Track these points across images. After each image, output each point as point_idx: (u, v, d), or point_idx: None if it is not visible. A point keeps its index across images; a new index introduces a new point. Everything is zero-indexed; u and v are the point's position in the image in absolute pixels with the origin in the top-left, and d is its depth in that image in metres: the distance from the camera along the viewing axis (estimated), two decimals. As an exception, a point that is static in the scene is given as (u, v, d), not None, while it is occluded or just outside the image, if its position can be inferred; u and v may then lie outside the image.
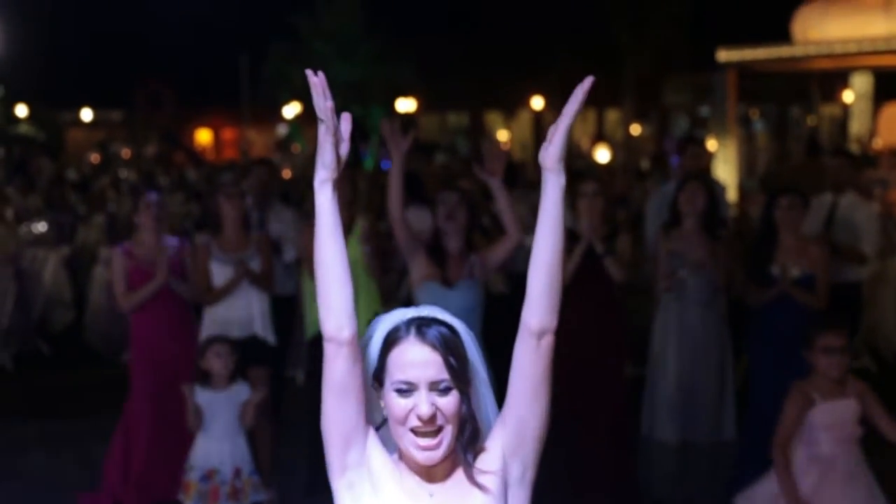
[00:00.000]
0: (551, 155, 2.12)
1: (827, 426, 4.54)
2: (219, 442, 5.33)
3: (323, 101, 2.08)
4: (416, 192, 7.91)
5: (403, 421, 2.11)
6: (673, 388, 6.30)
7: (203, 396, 5.35)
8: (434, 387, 2.10)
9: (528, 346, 2.14)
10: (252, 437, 5.56)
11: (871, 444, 4.77)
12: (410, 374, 2.10)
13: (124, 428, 6.15)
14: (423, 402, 2.09)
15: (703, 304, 6.26)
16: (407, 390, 2.10)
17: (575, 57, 30.56)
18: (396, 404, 2.11)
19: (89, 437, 7.27)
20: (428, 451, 2.10)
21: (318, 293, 2.14)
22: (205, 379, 5.38)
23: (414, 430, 2.10)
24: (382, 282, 6.46)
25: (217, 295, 6.11)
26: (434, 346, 2.12)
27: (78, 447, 7.25)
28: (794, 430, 4.58)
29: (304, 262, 6.35)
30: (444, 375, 2.11)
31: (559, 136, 2.12)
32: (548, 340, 2.14)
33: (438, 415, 2.10)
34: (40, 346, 10.06)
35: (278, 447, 6.26)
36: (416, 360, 2.11)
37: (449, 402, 2.11)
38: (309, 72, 2.08)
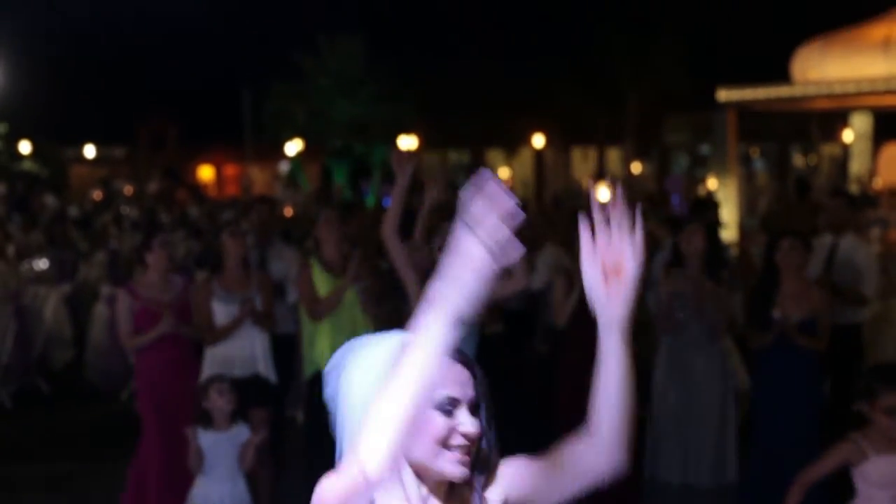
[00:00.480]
0: (621, 315, 1.97)
1: (883, 482, 4.22)
2: (219, 483, 5.32)
3: (500, 220, 1.71)
4: (412, 228, 7.88)
5: (444, 440, 1.97)
6: (674, 430, 6.28)
7: (205, 438, 5.34)
8: (471, 405, 2.01)
9: (590, 473, 2.06)
10: (252, 477, 5.54)
11: None
12: (456, 391, 1.99)
13: (138, 467, 6.14)
14: (468, 421, 1.99)
15: (703, 346, 6.25)
16: (451, 408, 1.98)
17: (576, 95, 30.76)
18: (437, 421, 1.97)
19: (89, 477, 7.23)
20: (464, 465, 1.99)
21: (376, 417, 1.77)
22: (206, 419, 5.38)
23: (448, 447, 1.99)
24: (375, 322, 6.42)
25: (220, 334, 6.12)
26: (466, 365, 2.04)
27: (77, 486, 7.21)
28: (822, 476, 4.34)
29: (302, 303, 6.33)
30: (477, 394, 2.03)
31: (628, 291, 1.95)
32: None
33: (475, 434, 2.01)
34: (40, 384, 10.02)
35: (277, 486, 6.24)
36: (458, 377, 2.01)
37: (479, 422, 2.02)
38: (492, 178, 1.72)
